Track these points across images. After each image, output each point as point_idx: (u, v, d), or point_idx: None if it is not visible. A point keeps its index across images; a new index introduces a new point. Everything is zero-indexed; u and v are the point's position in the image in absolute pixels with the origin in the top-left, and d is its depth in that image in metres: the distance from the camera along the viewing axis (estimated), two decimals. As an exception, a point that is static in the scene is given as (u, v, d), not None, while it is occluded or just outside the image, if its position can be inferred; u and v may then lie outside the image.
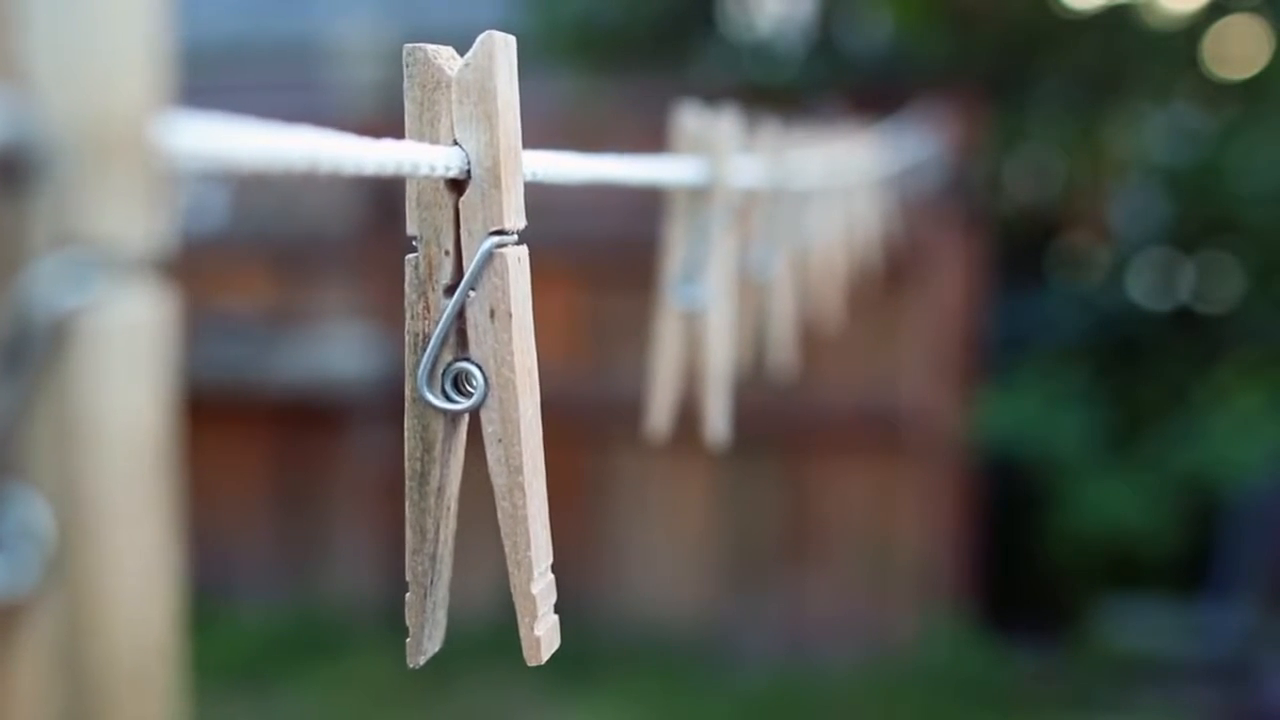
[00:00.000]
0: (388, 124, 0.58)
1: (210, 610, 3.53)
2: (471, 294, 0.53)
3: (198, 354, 3.56)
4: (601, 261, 3.50)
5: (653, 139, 1.21)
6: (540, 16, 3.64)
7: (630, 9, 3.69)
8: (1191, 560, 3.51)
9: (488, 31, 0.53)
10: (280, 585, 3.83)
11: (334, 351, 3.70)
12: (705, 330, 0.96)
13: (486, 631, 2.77)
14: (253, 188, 3.54)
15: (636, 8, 3.69)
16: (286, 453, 3.86)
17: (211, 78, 3.51)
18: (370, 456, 3.67)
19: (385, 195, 3.58)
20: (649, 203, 1.24)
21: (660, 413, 0.95)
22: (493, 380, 0.54)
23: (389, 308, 3.59)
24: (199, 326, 3.61)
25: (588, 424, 3.49)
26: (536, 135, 0.57)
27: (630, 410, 1.49)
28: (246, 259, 3.79)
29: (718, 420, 0.99)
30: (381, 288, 3.62)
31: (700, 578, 3.63)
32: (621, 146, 0.91)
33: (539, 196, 0.57)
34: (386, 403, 3.58)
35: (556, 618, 0.57)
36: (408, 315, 0.54)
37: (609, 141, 1.22)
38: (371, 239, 3.67)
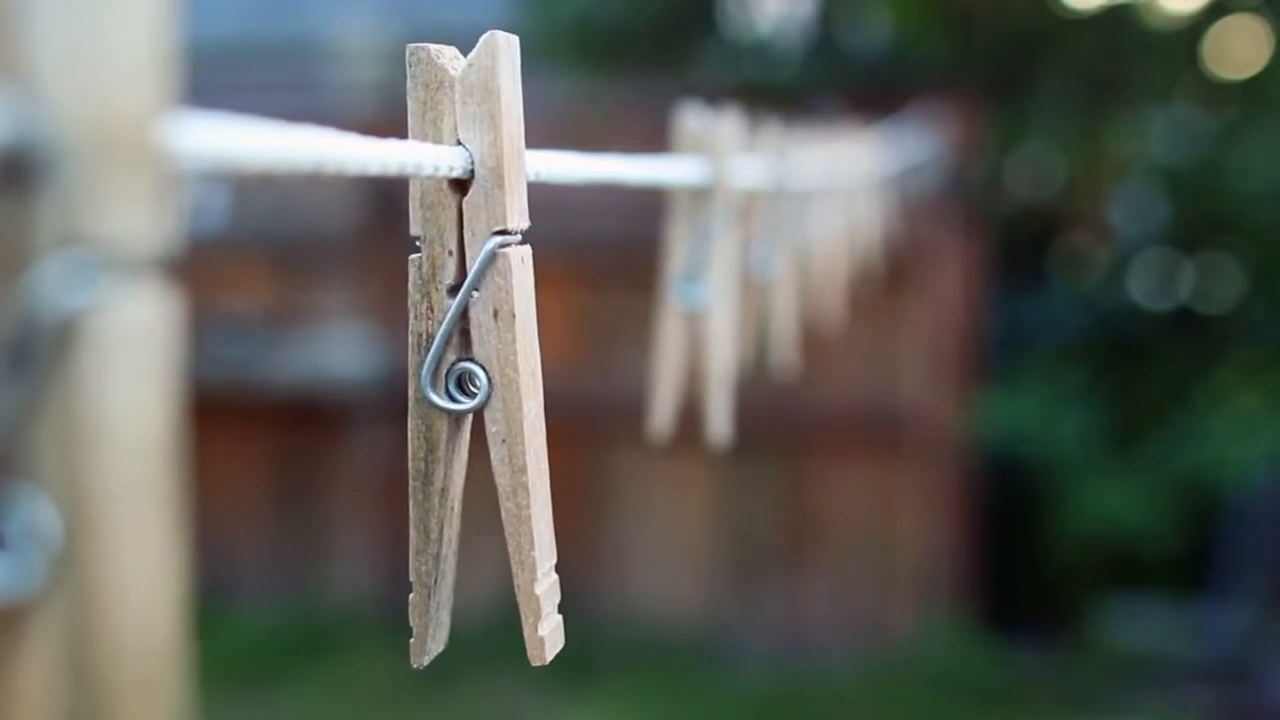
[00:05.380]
0: (387, 124, 0.58)
1: (210, 610, 3.52)
2: (475, 294, 0.53)
3: (197, 354, 3.56)
4: (602, 262, 3.50)
5: (653, 139, 1.21)
6: (540, 16, 3.63)
7: (630, 9, 3.68)
8: (1191, 560, 3.51)
9: (491, 31, 0.53)
10: (280, 585, 3.83)
11: (334, 351, 3.70)
12: (707, 330, 0.96)
13: (486, 631, 2.77)
14: (253, 188, 3.54)
15: (636, 8, 3.69)
16: (287, 453, 3.86)
17: (210, 78, 3.51)
18: (370, 456, 3.67)
19: (385, 195, 3.57)
20: (649, 203, 1.24)
21: (662, 413, 0.95)
22: (496, 380, 0.54)
23: (389, 308, 3.59)
24: (199, 326, 3.61)
25: (588, 424, 3.48)
26: (537, 135, 0.57)
27: (630, 410, 1.49)
28: (247, 259, 3.79)
29: (720, 421, 0.99)
30: (381, 288, 3.62)
31: (700, 577, 3.63)
32: (622, 147, 0.90)
33: (539, 197, 0.57)
34: (386, 403, 3.58)
35: (560, 618, 0.57)
36: (411, 315, 0.54)
37: (609, 142, 1.22)
38: (371, 239, 3.67)
